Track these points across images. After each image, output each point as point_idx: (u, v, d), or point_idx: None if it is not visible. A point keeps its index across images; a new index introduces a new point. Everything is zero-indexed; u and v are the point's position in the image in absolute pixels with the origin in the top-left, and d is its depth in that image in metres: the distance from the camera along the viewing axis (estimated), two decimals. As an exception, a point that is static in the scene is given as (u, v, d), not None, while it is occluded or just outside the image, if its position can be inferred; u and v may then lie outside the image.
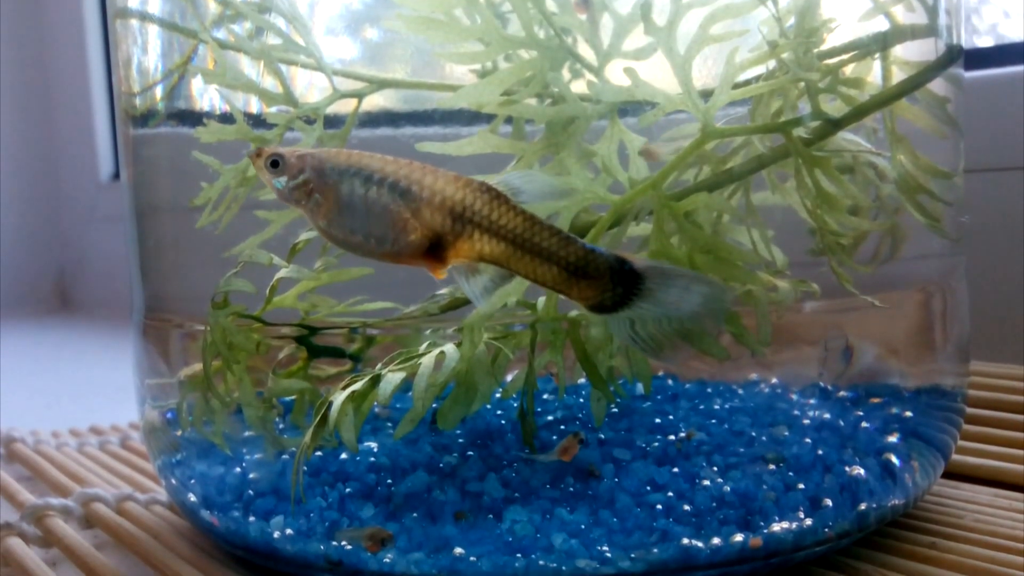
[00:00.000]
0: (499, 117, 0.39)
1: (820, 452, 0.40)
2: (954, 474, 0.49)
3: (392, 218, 0.34)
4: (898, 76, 0.40)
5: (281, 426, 0.44)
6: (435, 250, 0.34)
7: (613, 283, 0.33)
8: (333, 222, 0.35)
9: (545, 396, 0.45)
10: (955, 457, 0.49)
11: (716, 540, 0.36)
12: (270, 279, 0.41)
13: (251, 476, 0.42)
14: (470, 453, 0.40)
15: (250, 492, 0.41)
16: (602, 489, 0.37)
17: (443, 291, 0.42)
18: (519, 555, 0.36)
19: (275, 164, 0.36)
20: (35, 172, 1.86)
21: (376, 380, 0.38)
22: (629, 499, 0.37)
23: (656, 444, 0.39)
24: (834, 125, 0.39)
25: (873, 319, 0.42)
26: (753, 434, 0.40)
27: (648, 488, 0.37)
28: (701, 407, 0.43)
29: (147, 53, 0.45)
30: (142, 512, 0.50)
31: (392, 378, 0.38)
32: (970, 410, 0.53)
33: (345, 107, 0.41)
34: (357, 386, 0.38)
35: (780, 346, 0.42)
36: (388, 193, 0.34)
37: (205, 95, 0.44)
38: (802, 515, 0.38)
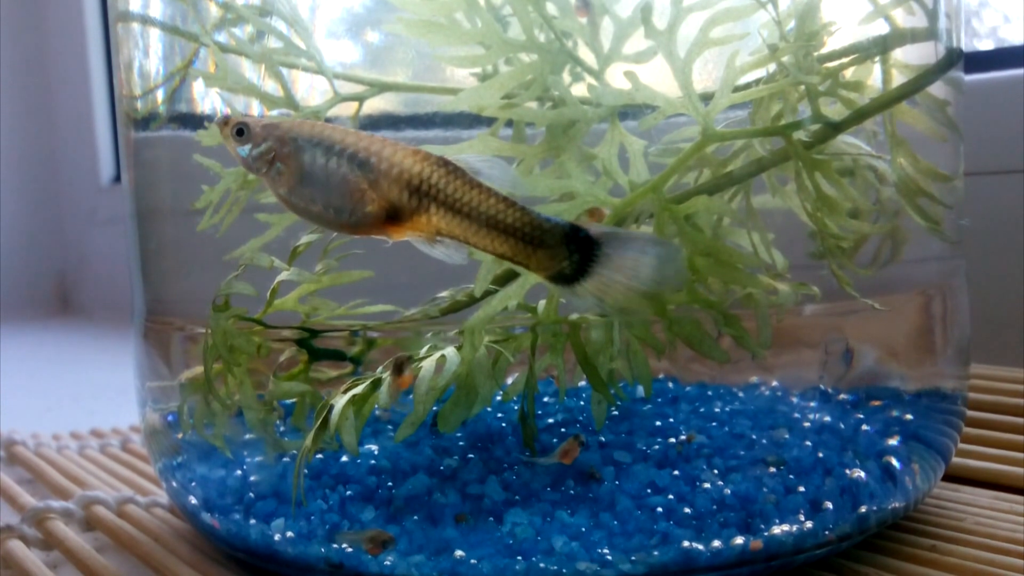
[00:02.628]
0: (499, 120, 0.39)
1: (820, 455, 0.40)
2: (954, 477, 0.49)
3: (350, 189, 0.34)
4: (898, 79, 0.40)
5: (282, 429, 0.44)
6: (393, 221, 0.34)
7: (569, 251, 0.33)
8: (294, 191, 0.35)
9: (546, 399, 0.45)
10: (955, 460, 0.49)
11: (716, 543, 0.36)
12: (271, 282, 0.41)
13: (252, 479, 0.42)
14: (471, 456, 0.40)
15: (251, 495, 0.41)
16: (603, 492, 0.37)
17: (444, 294, 0.42)
18: (520, 558, 0.36)
19: (240, 132, 0.36)
20: (36, 175, 1.86)
21: (377, 383, 0.38)
22: (630, 502, 0.37)
23: (657, 447, 0.39)
24: (834, 128, 0.39)
25: (873, 322, 0.42)
26: (753, 437, 0.40)
27: (649, 491, 0.37)
28: (702, 410, 0.43)
29: (148, 56, 0.45)
30: (143, 515, 0.50)
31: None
32: (970, 413, 0.53)
33: (346, 110, 0.41)
34: (358, 389, 0.38)
35: (780, 349, 0.42)
36: (347, 164, 0.34)
37: (206, 98, 0.44)
38: (802, 518, 0.38)
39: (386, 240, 0.35)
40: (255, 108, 0.42)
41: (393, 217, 0.34)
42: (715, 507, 0.37)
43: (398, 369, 0.37)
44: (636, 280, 0.33)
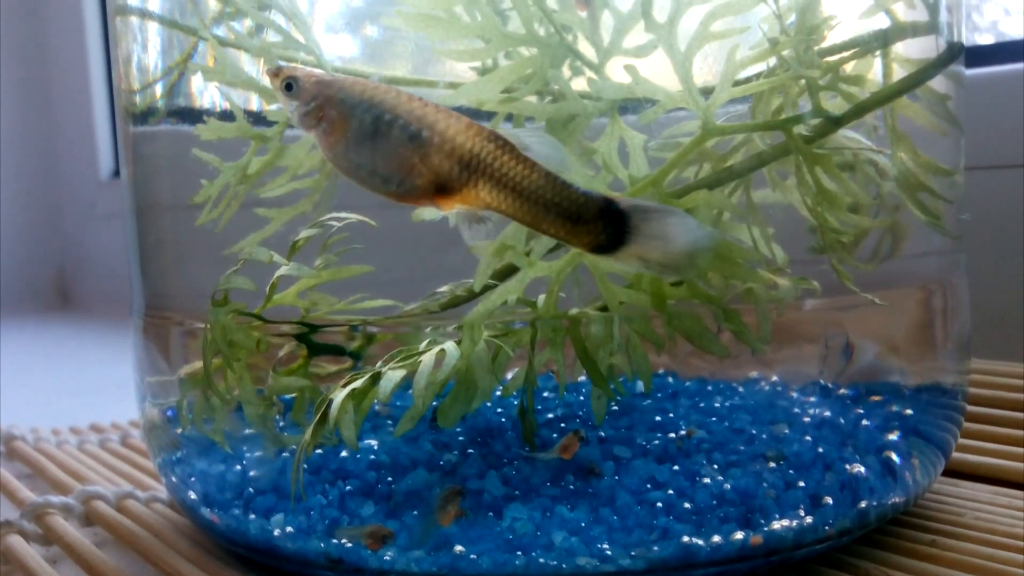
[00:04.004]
0: (499, 114, 0.38)
1: (820, 450, 0.40)
2: (954, 472, 0.49)
3: (399, 161, 0.34)
4: (899, 73, 0.40)
5: (281, 424, 0.44)
6: (442, 192, 0.34)
7: (603, 224, 0.34)
8: (340, 154, 0.35)
9: (545, 394, 0.45)
10: (955, 455, 0.49)
11: (716, 538, 0.36)
12: (270, 277, 0.41)
13: (251, 474, 0.42)
14: (470, 451, 0.40)
15: (250, 490, 0.41)
16: (602, 487, 0.37)
17: (443, 289, 0.42)
18: (519, 553, 0.36)
19: (289, 87, 0.35)
20: (35, 169, 1.86)
21: (376, 378, 0.38)
22: (629, 497, 0.37)
23: (656, 442, 0.39)
24: (835, 123, 0.38)
25: (874, 317, 0.42)
26: (753, 432, 0.40)
27: (648, 486, 0.37)
28: (701, 405, 0.43)
29: (147, 50, 0.45)
30: (142, 510, 0.50)
31: (392, 376, 0.38)
32: (971, 408, 0.53)
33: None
34: (357, 384, 0.38)
35: (780, 344, 0.42)
36: (398, 134, 0.34)
37: (205, 92, 0.44)
38: (802, 513, 0.38)
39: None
40: (254, 102, 0.42)
41: (442, 188, 0.34)
42: (715, 502, 0.37)
43: (445, 504, 0.37)
44: (669, 247, 0.34)
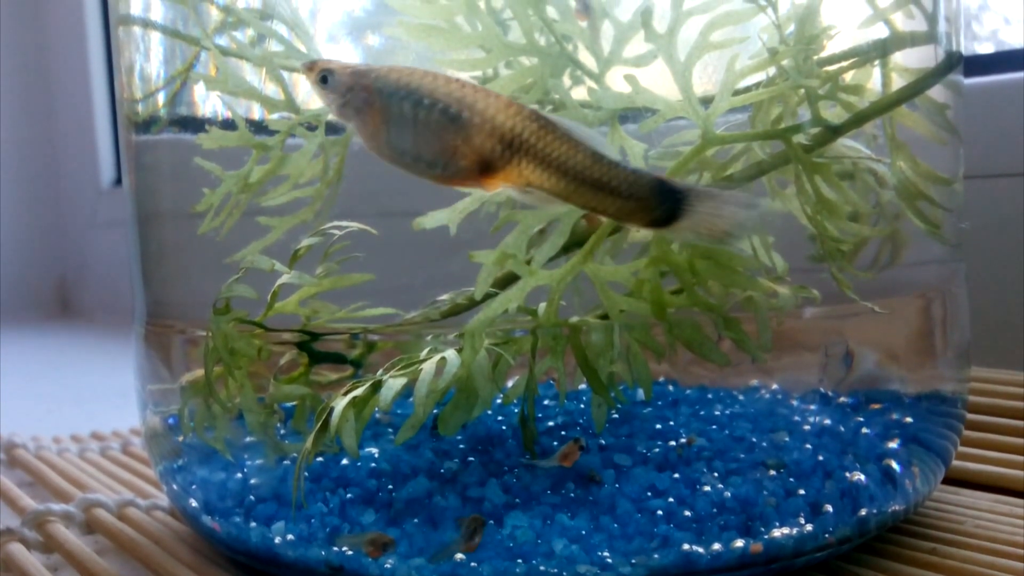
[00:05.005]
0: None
1: (821, 458, 0.40)
2: (955, 480, 0.49)
3: (441, 144, 0.34)
4: (898, 83, 0.40)
5: (282, 432, 0.44)
6: (486, 172, 0.34)
7: (659, 202, 0.34)
8: (382, 143, 0.35)
9: (546, 402, 0.45)
10: (955, 463, 0.49)
11: (717, 546, 0.36)
12: (272, 285, 0.41)
13: (252, 482, 0.42)
14: (471, 459, 0.40)
15: (251, 498, 0.41)
16: (603, 495, 0.37)
17: (444, 297, 0.42)
18: (520, 561, 0.36)
19: (324, 80, 0.35)
20: (37, 177, 1.86)
21: (377, 386, 0.38)
22: (630, 505, 0.37)
23: (657, 450, 0.39)
24: (834, 131, 0.39)
25: (873, 325, 0.42)
26: (754, 440, 0.40)
27: (649, 494, 0.37)
28: (702, 413, 0.43)
29: (149, 60, 0.46)
30: (143, 518, 0.50)
31: (393, 384, 0.38)
32: (970, 416, 0.53)
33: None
34: (358, 392, 0.38)
35: (781, 352, 0.42)
36: (438, 117, 0.34)
37: (207, 102, 0.44)
38: (803, 521, 0.38)
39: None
40: (255, 111, 0.42)
41: (486, 169, 0.34)
42: (715, 510, 0.37)
43: (472, 535, 0.37)
44: (722, 221, 0.34)
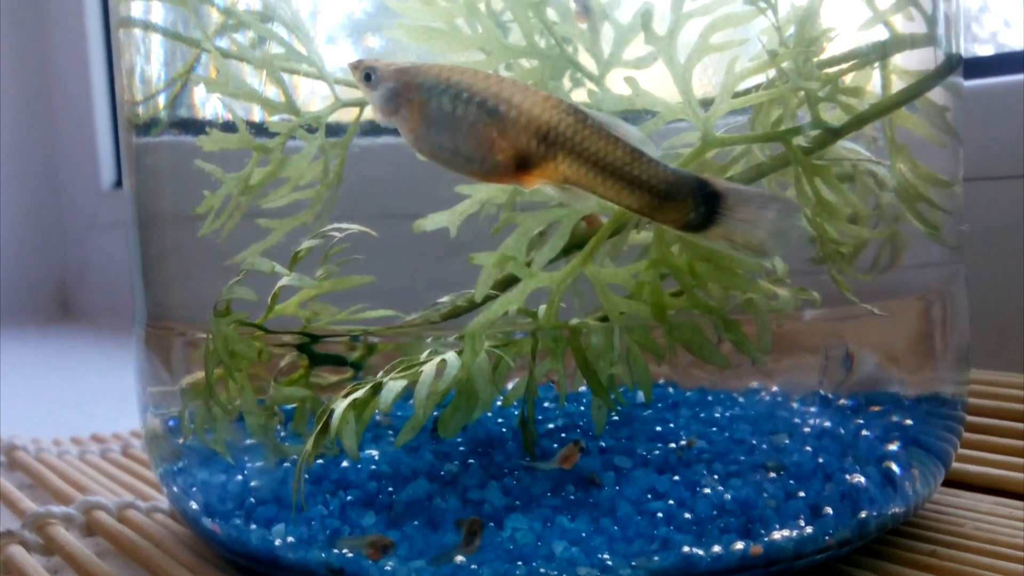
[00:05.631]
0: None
1: (821, 460, 0.40)
2: (954, 482, 0.49)
3: (479, 137, 0.34)
4: (897, 85, 0.40)
5: (283, 434, 0.44)
6: (523, 168, 0.34)
7: (696, 203, 0.34)
8: (421, 137, 0.35)
9: (546, 404, 0.45)
10: (955, 465, 0.49)
11: (717, 548, 0.36)
12: (272, 287, 0.41)
13: (253, 484, 0.42)
14: (471, 461, 0.40)
15: (252, 500, 0.41)
16: (603, 497, 0.37)
17: (444, 299, 0.42)
18: (520, 563, 0.36)
19: (368, 77, 0.36)
20: (37, 180, 1.86)
21: (377, 388, 0.38)
22: (630, 507, 0.37)
23: (657, 452, 0.39)
24: (834, 134, 0.39)
25: (873, 327, 0.42)
26: (754, 442, 0.40)
27: (649, 496, 0.37)
28: (702, 415, 0.43)
29: (150, 62, 0.46)
30: (144, 520, 0.50)
31: (393, 386, 0.38)
32: (970, 418, 0.53)
33: (347, 116, 0.41)
34: (358, 394, 0.38)
35: (780, 354, 0.42)
36: (476, 111, 0.34)
37: (208, 104, 0.44)
38: (803, 523, 0.38)
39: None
40: (256, 113, 0.42)
41: (523, 165, 0.34)
42: (715, 512, 0.37)
43: (472, 538, 0.37)
44: (757, 231, 0.34)
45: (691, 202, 0.34)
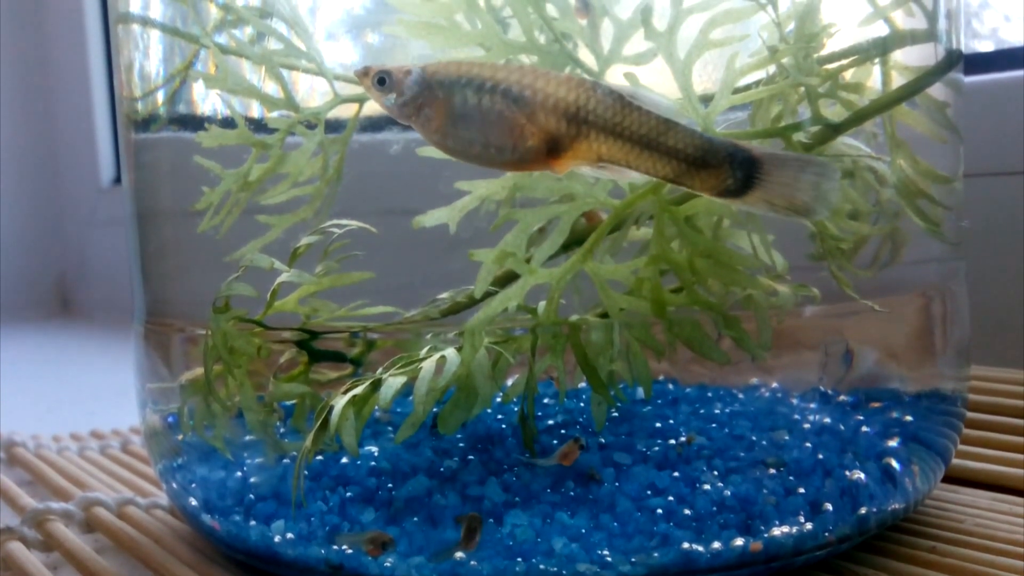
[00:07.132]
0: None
1: (820, 456, 0.40)
2: (954, 478, 0.49)
3: (509, 125, 0.34)
4: (898, 81, 0.40)
5: (282, 430, 0.44)
6: (553, 152, 0.34)
7: (732, 170, 0.34)
8: (448, 135, 0.35)
9: (546, 400, 0.45)
10: (955, 461, 0.49)
11: (716, 544, 0.36)
12: (271, 283, 0.41)
13: (252, 480, 0.42)
14: (471, 457, 0.40)
15: (251, 496, 0.41)
16: (602, 493, 0.37)
17: (444, 295, 0.42)
18: (520, 559, 0.36)
19: (382, 82, 0.35)
20: (36, 176, 1.86)
21: (377, 384, 0.38)
22: (630, 503, 0.37)
23: (657, 448, 0.39)
24: (834, 130, 0.39)
25: (873, 323, 0.42)
26: (753, 438, 0.40)
27: (648, 492, 0.37)
28: (702, 411, 0.43)
29: (148, 58, 0.46)
30: (143, 516, 0.50)
31: (393, 382, 0.38)
32: (970, 414, 0.53)
33: (346, 112, 0.41)
34: (358, 390, 0.38)
35: (780, 350, 0.42)
36: (501, 101, 0.34)
37: (207, 100, 0.44)
38: (802, 519, 0.38)
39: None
40: (255, 109, 0.42)
41: (553, 149, 0.34)
42: (715, 508, 0.37)
43: (472, 533, 0.36)
44: (799, 193, 0.34)
45: (727, 168, 0.34)
